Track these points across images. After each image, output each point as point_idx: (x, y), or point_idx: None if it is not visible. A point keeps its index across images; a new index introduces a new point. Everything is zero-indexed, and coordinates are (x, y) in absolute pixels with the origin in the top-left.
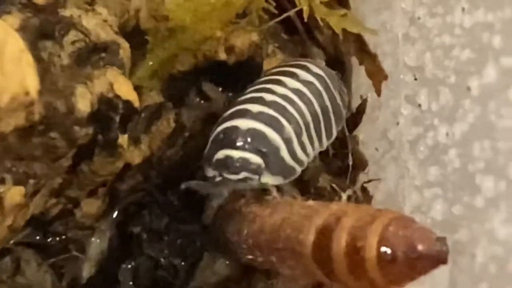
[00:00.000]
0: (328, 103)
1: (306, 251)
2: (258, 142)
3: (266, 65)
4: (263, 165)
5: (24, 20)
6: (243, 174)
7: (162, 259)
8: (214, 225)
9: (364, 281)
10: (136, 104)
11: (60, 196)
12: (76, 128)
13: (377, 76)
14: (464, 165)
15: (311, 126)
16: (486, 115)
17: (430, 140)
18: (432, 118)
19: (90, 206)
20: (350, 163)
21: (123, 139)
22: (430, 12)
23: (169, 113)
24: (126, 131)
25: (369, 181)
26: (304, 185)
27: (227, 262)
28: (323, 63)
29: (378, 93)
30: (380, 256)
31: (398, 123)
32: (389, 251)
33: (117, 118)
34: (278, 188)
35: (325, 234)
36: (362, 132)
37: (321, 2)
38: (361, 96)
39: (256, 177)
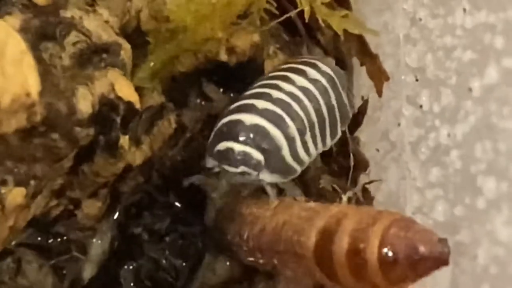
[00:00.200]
0: (334, 102)
1: (308, 253)
2: (261, 139)
3: (267, 66)
4: (263, 162)
5: (25, 21)
6: (242, 168)
7: (163, 260)
8: (215, 227)
9: (366, 283)
10: (137, 105)
11: (62, 197)
12: (77, 129)
13: (378, 77)
14: (465, 166)
15: (316, 125)
16: (487, 116)
17: (431, 141)
18: (433, 119)
19: (91, 207)
20: (351, 164)
21: (124, 140)
22: (432, 13)
23: (170, 114)
24: (127, 132)
25: (370, 182)
26: (306, 186)
27: (228, 263)
28: (333, 62)
29: (379, 94)
30: (382, 258)
31: (399, 124)
32: (390, 253)
33: (118, 119)
34: (279, 188)
35: (326, 236)
36: (363, 133)
37: (322, 3)
38: (362, 97)
39: (255, 173)
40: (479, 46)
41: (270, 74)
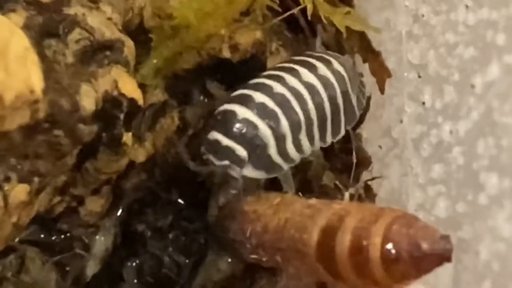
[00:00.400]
0: (340, 102)
1: (310, 251)
2: (249, 135)
3: (270, 63)
4: (247, 159)
5: (28, 18)
6: (225, 162)
7: (166, 257)
8: (218, 224)
9: (369, 280)
10: (141, 102)
11: (65, 194)
12: (81, 126)
13: (381, 74)
14: (468, 162)
15: (315, 123)
16: (490, 112)
17: (434, 137)
18: (435, 116)
19: (95, 204)
20: (354, 161)
21: (127, 137)
22: (434, 9)
23: (173, 111)
24: (130, 129)
25: (373, 178)
26: (308, 183)
27: (231, 260)
28: (351, 61)
29: (382, 91)
30: (384, 255)
31: (401, 121)
32: (393, 250)
33: (122, 116)
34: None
35: (328, 234)
36: (365, 130)
37: (324, 0)
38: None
39: (238, 168)
40: (481, 43)
41: (281, 64)
